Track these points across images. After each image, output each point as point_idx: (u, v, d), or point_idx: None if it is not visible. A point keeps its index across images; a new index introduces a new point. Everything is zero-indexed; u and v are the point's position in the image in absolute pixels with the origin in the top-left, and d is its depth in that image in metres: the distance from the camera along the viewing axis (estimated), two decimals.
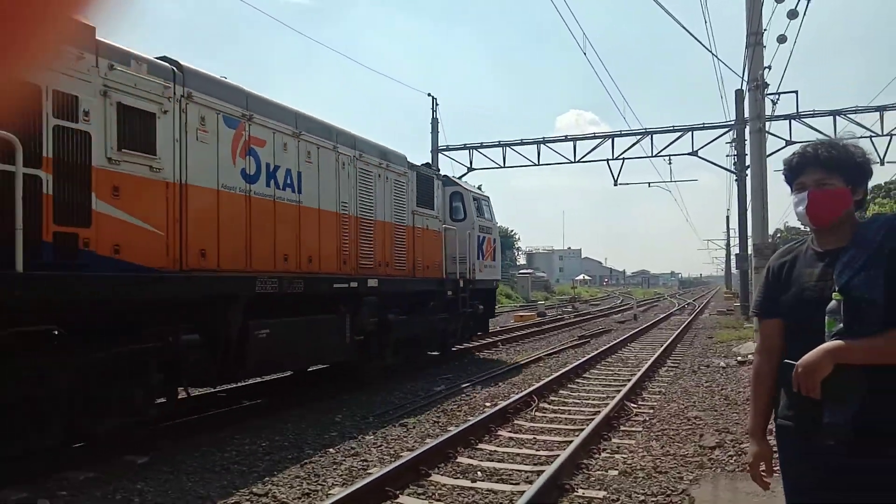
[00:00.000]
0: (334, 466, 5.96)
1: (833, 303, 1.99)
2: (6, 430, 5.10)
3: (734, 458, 5.91)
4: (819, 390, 1.95)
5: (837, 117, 23.66)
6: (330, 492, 5.19)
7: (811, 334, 2.03)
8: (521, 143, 28.12)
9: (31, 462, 5.68)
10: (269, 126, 7.99)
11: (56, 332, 5.39)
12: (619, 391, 9.19)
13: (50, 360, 5.30)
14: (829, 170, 2.11)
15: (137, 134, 6.14)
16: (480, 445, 6.69)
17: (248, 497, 5.09)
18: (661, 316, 29.58)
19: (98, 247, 5.64)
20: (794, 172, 2.19)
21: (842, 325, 1.96)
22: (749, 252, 21.56)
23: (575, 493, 5.08)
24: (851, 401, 1.92)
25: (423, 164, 12.96)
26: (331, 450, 6.57)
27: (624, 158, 27.70)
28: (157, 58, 6.64)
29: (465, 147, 28.70)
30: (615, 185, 28.75)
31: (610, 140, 27.47)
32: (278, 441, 6.93)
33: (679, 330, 20.21)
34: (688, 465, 5.78)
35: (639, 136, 26.99)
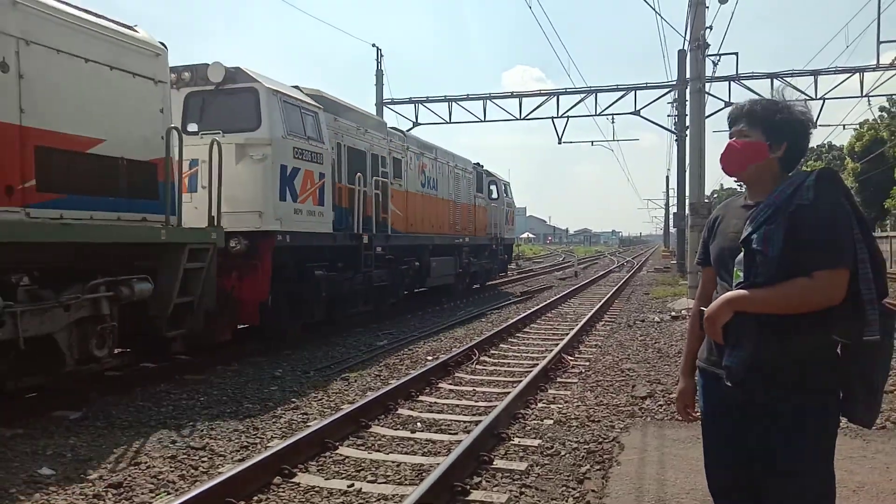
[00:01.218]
0: (273, 420, 5.97)
1: (740, 255, 2.12)
2: None
3: (664, 407, 6.17)
4: (720, 336, 2.13)
5: (775, 80, 24.25)
6: (269, 444, 5.20)
7: (728, 283, 2.18)
8: (468, 97, 27.91)
9: None
10: (427, 156, 15.35)
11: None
12: (557, 345, 9.43)
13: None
14: (752, 123, 2.21)
15: (400, 170, 13.58)
16: (421, 397, 6.79)
17: (184, 450, 5.06)
18: (601, 273, 30.31)
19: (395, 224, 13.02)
20: (729, 125, 2.30)
21: (742, 276, 2.10)
22: (686, 211, 22.13)
23: (511, 442, 5.23)
24: (745, 346, 2.07)
25: (475, 163, 19.38)
26: (270, 403, 6.57)
27: (568, 117, 27.85)
28: (390, 128, 13.99)
29: (410, 101, 28.32)
30: (559, 143, 28.97)
31: (555, 98, 27.54)
32: (216, 395, 6.88)
33: (617, 286, 20.76)
34: (620, 415, 6.01)
35: (583, 95, 27.12)
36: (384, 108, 27.87)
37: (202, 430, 5.62)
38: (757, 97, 2.32)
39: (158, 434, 5.54)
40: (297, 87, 10.14)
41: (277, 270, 9.05)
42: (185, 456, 4.95)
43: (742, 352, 2.08)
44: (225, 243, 7.98)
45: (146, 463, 4.78)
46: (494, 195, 20.55)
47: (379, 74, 27.45)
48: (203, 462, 4.84)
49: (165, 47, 7.16)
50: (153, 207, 6.90)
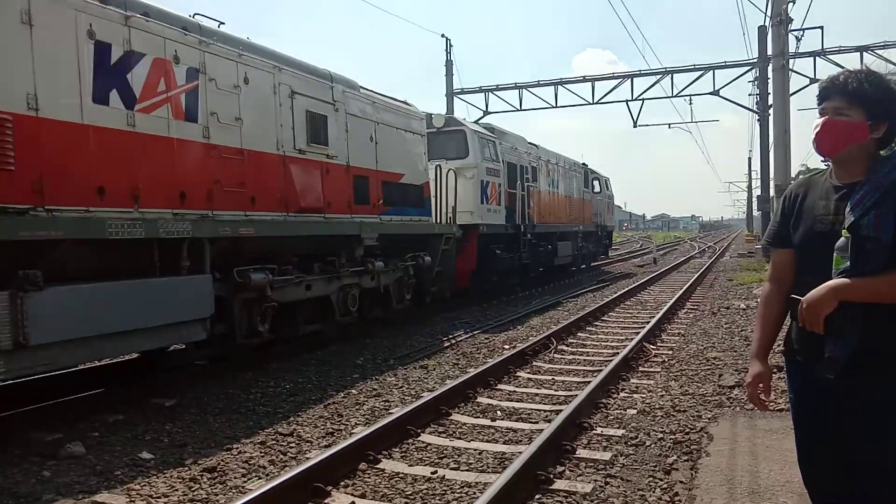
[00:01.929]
0: (357, 406, 6.09)
1: (842, 240, 1.98)
2: None
3: None
4: (822, 326, 1.99)
5: (865, 53, 22.90)
6: (353, 431, 5.31)
7: (819, 269, 2.04)
8: (538, 84, 27.65)
9: (62, 405, 5.87)
10: (551, 162, 18.66)
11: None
12: (637, 333, 9.22)
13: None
14: (850, 100, 2.05)
15: (536, 175, 17.21)
16: (500, 386, 6.78)
17: (273, 436, 5.23)
18: (681, 259, 29.45)
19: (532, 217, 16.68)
20: (820, 99, 2.14)
21: (848, 263, 1.96)
22: (771, 193, 21.24)
23: (594, 432, 5.16)
24: (850, 336, 1.96)
25: (582, 163, 22.74)
26: (353, 391, 6.70)
27: (643, 99, 27.22)
28: (529, 142, 17.27)
29: (480, 90, 28.28)
30: (634, 126, 28.35)
31: (629, 80, 26.92)
32: (301, 383, 7.08)
33: (699, 273, 20.12)
34: (707, 405, 5.83)
35: (659, 76, 26.41)
36: (454, 97, 27.90)
37: (289, 417, 5.79)
38: (859, 69, 2.15)
39: (248, 420, 5.75)
40: (478, 122, 15.61)
41: (480, 250, 13.30)
42: (274, 441, 5.11)
43: (846, 342, 1.97)
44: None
45: (237, 448, 4.97)
46: (597, 189, 24.17)
47: (448, 65, 27.52)
48: (291, 448, 4.99)
49: (425, 114, 11.89)
50: (423, 213, 11.25)
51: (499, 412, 5.86)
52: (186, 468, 4.57)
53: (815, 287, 2.01)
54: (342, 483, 4.23)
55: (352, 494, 4.06)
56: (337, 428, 5.46)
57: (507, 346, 8.87)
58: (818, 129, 2.10)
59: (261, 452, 4.87)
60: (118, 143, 5.72)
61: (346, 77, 9.16)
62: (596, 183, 23.97)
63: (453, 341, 9.51)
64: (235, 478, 4.39)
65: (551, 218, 18.30)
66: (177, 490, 4.18)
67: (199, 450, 4.99)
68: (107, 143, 5.61)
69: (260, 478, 4.39)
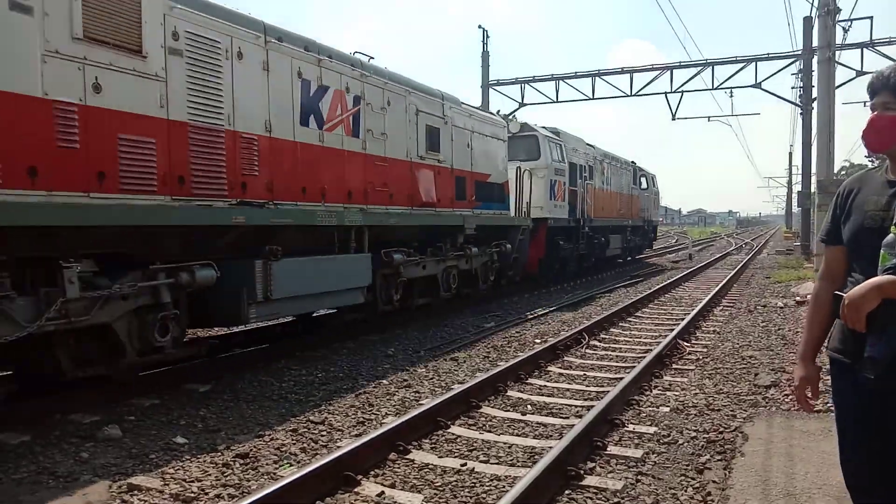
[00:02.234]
0: (387, 397, 6.12)
1: (890, 236, 1.93)
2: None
3: (790, 397, 5.82)
4: (864, 324, 1.94)
5: None
6: (384, 421, 5.34)
7: (867, 266, 2.00)
8: (575, 76, 27.26)
9: (100, 390, 6.01)
10: (606, 161, 20.13)
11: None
12: (671, 330, 9.11)
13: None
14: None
15: (593, 173, 19.06)
16: (530, 380, 6.76)
17: (305, 424, 5.29)
18: (717, 256, 28.96)
19: (588, 212, 18.53)
20: (870, 95, 2.11)
21: (894, 260, 1.91)
22: (812, 189, 20.72)
23: (625, 429, 5.11)
24: (893, 335, 1.90)
25: (631, 161, 24.39)
26: (384, 381, 6.74)
27: (683, 91, 26.70)
28: (587, 144, 18.83)
29: (516, 81, 28.04)
30: (673, 119, 27.85)
31: (668, 72, 26.42)
32: (333, 372, 7.14)
33: (735, 270, 19.77)
34: (741, 404, 5.73)
35: (699, 68, 25.88)
36: (490, 89, 27.75)
37: (321, 405, 5.85)
38: None
39: (280, 408, 5.82)
40: (545, 127, 16.26)
41: (547, 241, 15.40)
42: (306, 429, 5.17)
43: (890, 341, 1.91)
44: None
45: (269, 435, 5.04)
46: (644, 186, 25.76)
47: (485, 56, 27.37)
48: (322, 436, 5.04)
49: (505, 120, 13.99)
50: (504, 207, 13.06)
51: (529, 406, 5.84)
52: (219, 453, 4.65)
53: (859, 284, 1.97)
54: (372, 472, 4.26)
55: (381, 484, 4.09)
56: (367, 417, 5.50)
57: (538, 341, 8.83)
58: (866, 124, 2.07)
59: (292, 440, 4.93)
60: (313, 155, 7.70)
61: (451, 95, 11.32)
62: (643, 180, 25.68)
63: (484, 334, 9.50)
64: (267, 464, 4.45)
65: (604, 213, 20.10)
66: (210, 475, 4.25)
67: (231, 436, 5.07)
68: (307, 155, 7.59)
69: (291, 465, 4.44)
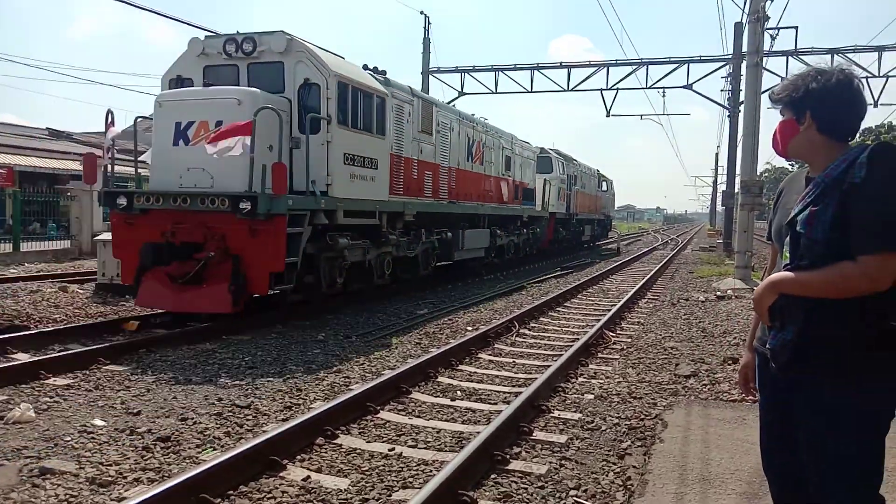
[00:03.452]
0: (316, 382, 6.06)
1: (789, 234, 2.04)
2: None
3: (708, 386, 6.07)
4: (766, 318, 2.06)
5: (836, 55, 23.30)
6: (312, 405, 5.29)
7: (779, 261, 2.17)
8: (515, 68, 27.52)
9: (13, 368, 5.73)
10: (582, 170, 27.60)
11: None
12: (598, 320, 9.34)
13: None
14: (777, 103, 2.19)
15: (576, 180, 27.18)
16: (461, 367, 6.82)
17: (230, 408, 5.18)
18: (645, 250, 29.86)
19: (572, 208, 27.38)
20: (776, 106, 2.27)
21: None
22: (736, 189, 21.55)
23: (551, 415, 5.22)
24: (790, 329, 2.00)
25: (597, 169, 31.80)
26: (313, 366, 6.67)
27: (618, 89, 27.30)
28: (574, 160, 27.29)
29: (456, 70, 28.06)
30: (607, 115, 28.45)
31: (605, 69, 26.98)
32: (261, 356, 7.02)
33: (661, 264, 20.45)
34: (662, 392, 5.93)
35: (634, 67, 26.52)
36: (430, 76, 27.65)
37: (247, 390, 5.74)
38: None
39: (205, 391, 5.68)
40: (552, 149, 24.04)
41: (559, 225, 23.91)
42: (231, 414, 5.06)
43: (786, 334, 2.00)
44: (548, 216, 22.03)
45: (193, 419, 4.91)
46: (605, 188, 33.77)
47: (426, 42, 27.21)
48: (248, 420, 4.95)
49: (539, 150, 22.13)
50: (533, 205, 20.17)
51: (459, 392, 5.89)
52: (139, 437, 4.50)
53: None
54: (298, 457, 4.22)
55: (307, 469, 4.05)
56: (295, 402, 5.43)
57: (469, 328, 8.91)
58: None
59: (217, 424, 4.82)
60: (470, 176, 15.02)
61: (513, 133, 18.80)
62: (604, 184, 33.81)
63: (417, 321, 9.51)
64: (189, 448, 4.34)
65: (582, 209, 27.98)
66: (129, 458, 4.12)
67: (153, 419, 4.92)
68: (468, 176, 14.87)
69: (215, 449, 4.35)
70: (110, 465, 4.01)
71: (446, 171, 13.66)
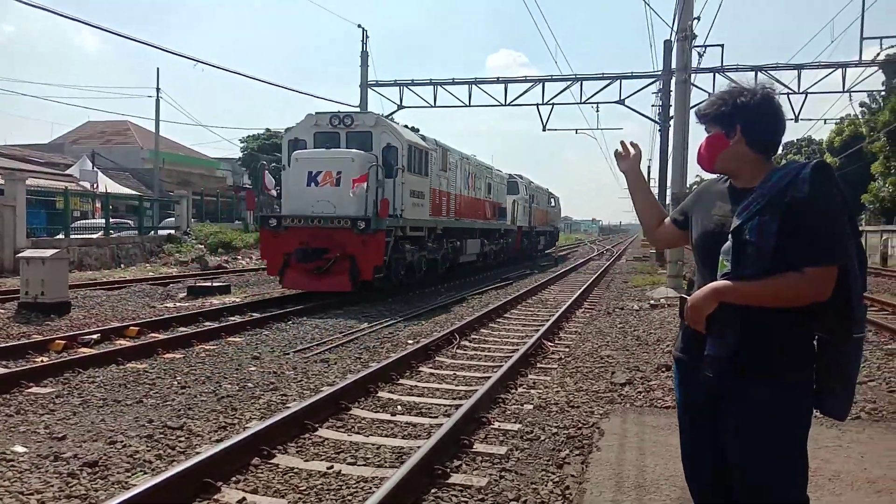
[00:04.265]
0: (252, 401, 5.92)
1: (727, 243, 2.07)
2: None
3: (643, 394, 6.21)
4: (704, 325, 2.09)
5: (759, 73, 24.39)
6: (248, 425, 5.15)
7: (709, 269, 2.16)
8: (453, 82, 27.78)
9: None
10: (536, 190, 33.45)
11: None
12: (537, 330, 9.45)
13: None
14: (704, 120, 2.26)
15: (533, 200, 33.31)
16: (401, 381, 6.77)
17: (161, 430, 5.00)
18: (581, 261, 30.46)
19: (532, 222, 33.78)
20: (702, 123, 2.32)
21: (730, 265, 2.05)
22: (667, 201, 22.22)
23: (491, 426, 5.23)
24: (729, 337, 2.05)
25: (547, 189, 38.06)
26: (249, 384, 6.51)
27: (553, 104, 27.89)
28: (530, 182, 32.48)
29: (395, 84, 28.13)
30: (544, 129, 29.07)
31: (540, 84, 27.53)
32: (194, 375, 6.82)
33: (597, 274, 20.87)
34: (599, 401, 6.03)
35: (569, 82, 27.15)
36: (369, 89, 27.62)
37: (179, 410, 5.56)
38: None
39: (135, 412, 5.48)
40: (519, 175, 29.52)
41: (524, 236, 29.89)
42: (162, 435, 4.89)
43: (726, 342, 2.06)
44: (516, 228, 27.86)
45: (122, 442, 4.72)
46: (553, 204, 40.02)
47: (364, 56, 27.22)
48: (180, 442, 4.78)
49: (508, 176, 27.57)
50: (505, 220, 25.14)
51: (399, 407, 5.85)
52: (65, 462, 4.30)
53: (703, 286, 2.11)
54: (233, 479, 4.10)
55: (243, 490, 3.94)
56: (230, 422, 5.28)
57: (410, 341, 8.88)
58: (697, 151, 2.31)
59: (147, 446, 4.65)
60: (468, 199, 19.88)
61: (491, 164, 23.83)
62: (552, 200, 39.73)
63: (356, 335, 9.42)
64: (118, 473, 4.17)
65: (539, 223, 33.77)
66: (52, 486, 3.92)
67: (79, 443, 4.70)
68: (465, 201, 19.49)
69: (145, 473, 4.19)
70: (31, 493, 3.81)
71: (455, 197, 18.58)
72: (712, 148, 2.21)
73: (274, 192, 15.57)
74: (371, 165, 13.10)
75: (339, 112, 14.63)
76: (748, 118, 2.15)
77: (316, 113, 14.62)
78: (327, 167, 13.14)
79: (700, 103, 2.35)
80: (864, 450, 4.65)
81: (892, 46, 23.88)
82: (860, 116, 39.71)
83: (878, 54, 23.95)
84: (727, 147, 2.18)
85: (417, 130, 16.75)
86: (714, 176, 2.37)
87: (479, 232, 21.34)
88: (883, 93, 31.98)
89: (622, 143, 2.72)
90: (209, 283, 14.55)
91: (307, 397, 5.82)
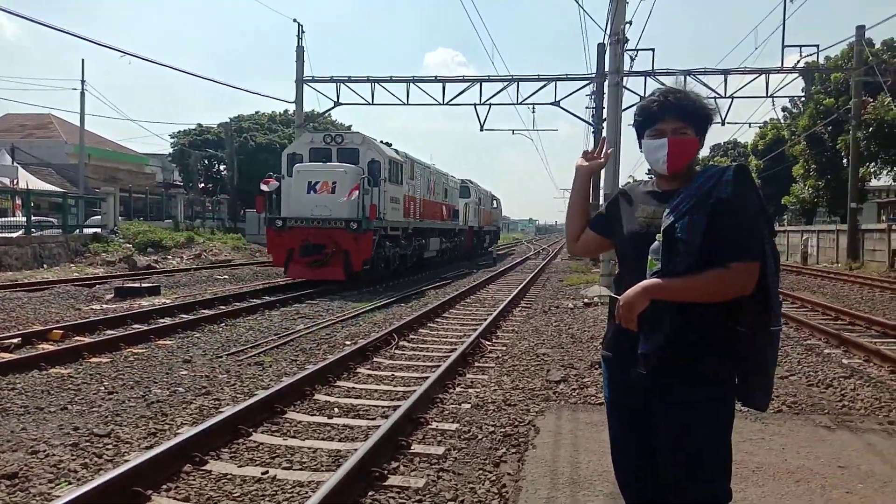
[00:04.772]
0: (184, 406, 5.76)
1: (655, 243, 2.13)
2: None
3: (577, 391, 6.34)
4: (636, 324, 2.14)
5: (689, 77, 25.14)
6: (179, 431, 5.02)
7: (636, 269, 2.19)
8: (391, 80, 27.58)
9: None
10: (482, 194, 37.57)
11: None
12: (475, 330, 9.53)
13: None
14: (685, 119, 2.22)
15: (480, 203, 37.91)
16: (339, 383, 6.72)
17: (87, 438, 4.82)
18: (518, 260, 30.84)
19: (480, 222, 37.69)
20: (653, 118, 2.25)
21: (660, 264, 2.12)
22: (601, 201, 22.70)
23: (429, 427, 5.25)
24: (661, 333, 2.11)
25: (491, 192, 41.85)
26: (180, 389, 6.34)
27: (491, 104, 28.00)
28: (482, 188, 37.89)
29: (332, 80, 27.75)
30: (481, 129, 29.15)
31: (478, 84, 27.64)
32: (122, 380, 6.59)
33: (533, 273, 21.19)
34: (535, 399, 6.13)
35: (506, 83, 27.35)
36: (304, 85, 27.21)
37: (107, 417, 5.37)
38: (671, 88, 2.30)
39: (59, 420, 5.26)
40: (470, 180, 33.14)
41: (474, 234, 33.84)
42: (88, 443, 4.71)
43: (658, 339, 2.11)
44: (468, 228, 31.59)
45: (45, 451, 4.52)
46: (495, 205, 43.03)
47: (300, 51, 26.80)
48: (108, 450, 4.62)
49: (460, 181, 31.38)
50: (458, 221, 28.21)
51: (336, 409, 5.80)
52: None
53: (630, 287, 2.16)
54: (164, 487, 3.98)
55: (174, 498, 3.84)
56: (160, 428, 5.13)
57: (348, 342, 8.81)
58: (668, 149, 2.21)
59: (72, 455, 4.47)
60: (428, 203, 22.57)
61: (447, 171, 26.77)
62: (495, 202, 42.89)
63: (292, 337, 9.29)
64: (41, 484, 3.99)
65: (484, 222, 37.23)
66: None
67: None
68: (427, 204, 22.27)
69: (70, 483, 4.03)
70: None
71: (419, 201, 21.33)
72: (690, 151, 2.24)
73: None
74: (361, 177, 16.30)
75: (331, 132, 19.20)
76: (707, 123, 2.28)
77: (312, 131, 19.39)
78: (324, 178, 16.21)
79: (660, 96, 2.26)
80: (785, 442, 4.88)
81: (811, 55, 25.01)
82: (782, 121, 41.58)
83: (798, 61, 25.03)
84: (697, 152, 2.27)
85: (390, 145, 19.74)
86: (632, 181, 2.46)
87: (439, 231, 24.77)
88: (803, 98, 33.49)
89: (603, 141, 2.77)
90: (138, 284, 14.11)
91: (241, 401, 5.71)
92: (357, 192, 15.78)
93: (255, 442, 4.87)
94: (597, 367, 7.23)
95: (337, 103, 27.77)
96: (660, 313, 2.11)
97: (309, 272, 15.83)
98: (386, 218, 17.20)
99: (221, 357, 7.86)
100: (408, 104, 27.74)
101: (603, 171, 18.78)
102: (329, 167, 16.67)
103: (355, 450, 4.39)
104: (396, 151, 19.29)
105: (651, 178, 2.49)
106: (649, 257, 2.15)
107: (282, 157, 18.19)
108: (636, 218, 2.28)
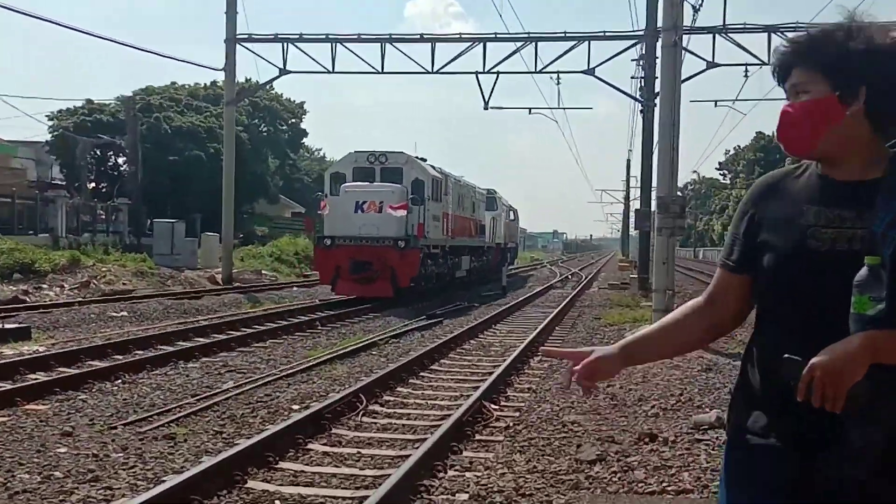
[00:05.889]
0: (61, 498, 5.72)
1: (864, 270, 1.72)
2: None
3: (619, 475, 6.31)
4: (843, 402, 1.72)
5: (773, 34, 25.00)
6: None
7: (813, 311, 1.85)
8: (359, 39, 27.53)
9: None
10: (502, 205, 46.46)
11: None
12: (476, 388, 9.52)
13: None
14: (808, 67, 1.90)
15: (500, 216, 47.50)
16: (283, 464, 6.69)
17: None
18: (538, 289, 30.98)
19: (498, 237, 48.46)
20: (779, 79, 1.99)
21: (883, 305, 1.70)
22: (652, 207, 22.28)
23: None
24: (883, 417, 1.76)
25: (510, 205, 50.34)
26: (56, 474, 6.29)
27: (499, 72, 28.12)
28: (504, 199, 48.28)
29: (276, 39, 27.75)
30: (486, 108, 29.32)
31: (481, 45, 27.63)
32: None
33: (559, 308, 21.24)
34: (559, 485, 6.10)
35: (519, 43, 27.35)
36: (238, 45, 27.25)
37: None
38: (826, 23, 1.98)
39: None
40: (493, 189, 42.95)
41: (500, 252, 43.75)
42: None
43: (878, 426, 1.77)
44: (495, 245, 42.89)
45: None
46: (512, 217, 49.09)
47: (231, 2, 26.89)
48: None
49: (486, 193, 41.33)
50: (484, 238, 38.97)
51: (277, 503, 5.76)
52: None
53: (817, 343, 1.74)
54: None
55: None
56: None
57: (295, 406, 8.78)
58: (778, 121, 1.96)
59: None
60: (460, 219, 32.04)
61: (474, 182, 37.05)
62: (512, 213, 49.04)
63: (216, 398, 9.24)
64: None
65: (507, 238, 45.19)
66: None
67: None
68: (458, 220, 31.63)
69: None
70: None
71: (451, 216, 28.64)
72: (821, 120, 1.87)
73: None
74: (407, 196, 23.01)
75: (374, 151, 25.48)
76: (880, 74, 1.83)
77: (355, 152, 25.86)
78: (371, 198, 22.91)
79: (784, 45, 1.98)
80: None
81: None
82: None
83: None
84: (842, 119, 1.85)
85: (425, 160, 26.72)
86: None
87: (468, 249, 32.72)
88: None
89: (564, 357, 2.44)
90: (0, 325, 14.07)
91: (142, 491, 5.67)
92: (405, 210, 22.34)
93: None
94: (647, 440, 7.19)
95: (284, 71, 27.83)
96: (885, 386, 1.73)
97: (357, 288, 22.40)
98: (429, 236, 24.37)
99: (116, 428, 7.82)
100: (383, 72, 27.80)
101: (655, 165, 18.65)
102: (376, 187, 23.68)
103: None
104: (433, 167, 26.81)
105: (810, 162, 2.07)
106: (854, 294, 1.74)
107: (325, 177, 27.17)
108: (806, 228, 1.89)
